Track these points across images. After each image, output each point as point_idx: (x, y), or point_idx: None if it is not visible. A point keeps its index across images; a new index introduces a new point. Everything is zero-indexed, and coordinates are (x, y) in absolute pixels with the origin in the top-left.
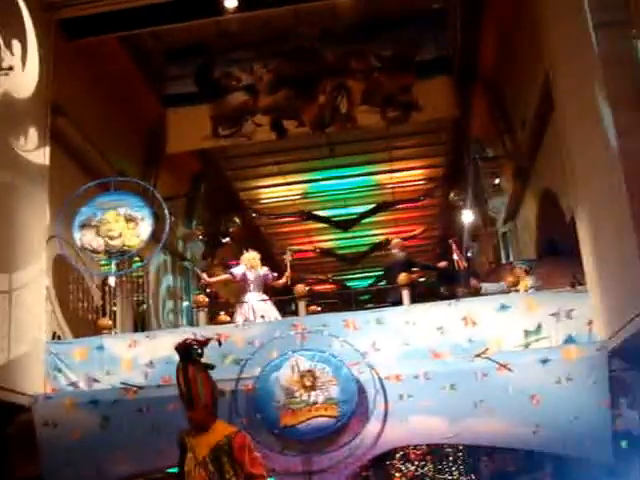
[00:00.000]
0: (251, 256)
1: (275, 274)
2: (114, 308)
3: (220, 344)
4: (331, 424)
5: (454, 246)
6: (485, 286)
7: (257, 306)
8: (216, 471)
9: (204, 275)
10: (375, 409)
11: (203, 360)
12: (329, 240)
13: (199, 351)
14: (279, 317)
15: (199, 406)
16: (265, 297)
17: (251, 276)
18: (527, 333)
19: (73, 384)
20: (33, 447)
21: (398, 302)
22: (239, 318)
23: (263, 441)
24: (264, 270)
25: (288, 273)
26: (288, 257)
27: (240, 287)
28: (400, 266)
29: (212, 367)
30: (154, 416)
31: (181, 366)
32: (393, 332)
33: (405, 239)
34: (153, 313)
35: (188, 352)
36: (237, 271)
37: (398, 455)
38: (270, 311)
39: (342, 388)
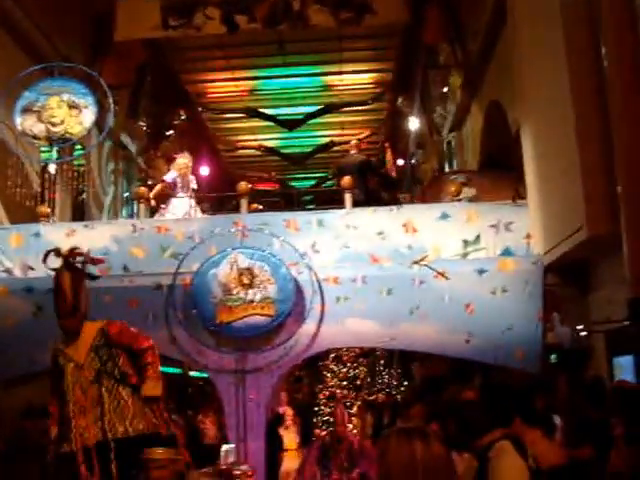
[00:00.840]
0: (183, 162)
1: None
2: (54, 196)
3: (97, 277)
4: (267, 323)
5: (388, 151)
6: None
7: (181, 207)
8: (101, 367)
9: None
10: (312, 310)
11: (92, 272)
12: (274, 139)
13: (80, 263)
14: None
15: (76, 314)
16: (191, 201)
17: (180, 182)
18: (466, 243)
19: (8, 271)
20: None
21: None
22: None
23: (198, 337)
24: (191, 179)
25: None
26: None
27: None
28: (355, 169)
29: (97, 277)
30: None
31: (59, 274)
32: (333, 235)
33: (360, 140)
34: (93, 203)
35: (68, 261)
36: (169, 177)
37: (331, 356)
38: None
39: (280, 287)
